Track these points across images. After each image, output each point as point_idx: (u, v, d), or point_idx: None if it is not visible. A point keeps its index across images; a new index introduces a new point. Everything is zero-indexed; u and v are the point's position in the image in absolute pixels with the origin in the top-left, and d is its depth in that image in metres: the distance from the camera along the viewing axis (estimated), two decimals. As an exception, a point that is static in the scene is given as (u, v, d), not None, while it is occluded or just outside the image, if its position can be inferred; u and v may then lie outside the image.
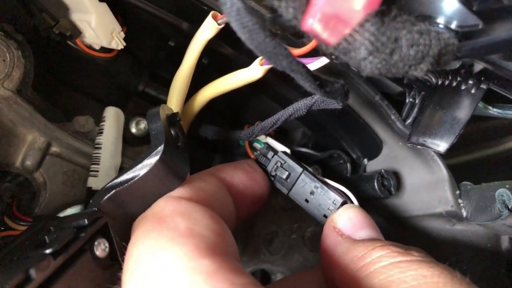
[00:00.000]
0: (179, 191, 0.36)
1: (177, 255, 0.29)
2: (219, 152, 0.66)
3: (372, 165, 0.60)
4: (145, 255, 0.30)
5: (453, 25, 0.34)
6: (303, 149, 0.59)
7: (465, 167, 0.85)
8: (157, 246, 0.30)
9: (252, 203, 0.46)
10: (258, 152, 0.50)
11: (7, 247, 0.36)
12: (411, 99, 0.52)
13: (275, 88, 0.59)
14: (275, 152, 0.48)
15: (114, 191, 0.35)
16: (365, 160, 0.60)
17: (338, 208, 0.43)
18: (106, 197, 0.35)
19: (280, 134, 0.65)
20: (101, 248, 0.34)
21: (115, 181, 0.36)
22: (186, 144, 0.40)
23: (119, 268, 0.33)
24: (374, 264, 0.33)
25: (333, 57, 0.38)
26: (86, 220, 0.33)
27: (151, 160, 0.35)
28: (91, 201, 0.37)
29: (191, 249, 0.29)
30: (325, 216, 0.45)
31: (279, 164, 0.48)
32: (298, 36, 0.42)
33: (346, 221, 0.40)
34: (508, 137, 0.86)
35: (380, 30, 0.29)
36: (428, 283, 0.29)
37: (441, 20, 0.34)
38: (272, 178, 0.48)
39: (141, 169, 0.35)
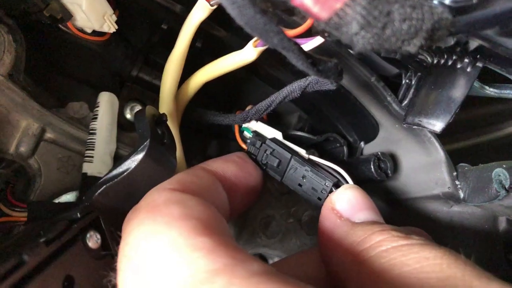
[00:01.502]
0: (171, 184, 0.36)
1: (174, 236, 0.29)
2: (215, 137, 0.66)
3: (368, 148, 0.59)
4: (141, 241, 0.30)
5: (447, 1, 0.33)
6: (299, 133, 0.59)
7: (463, 152, 0.85)
8: (153, 231, 0.30)
9: (246, 194, 0.45)
10: (248, 141, 0.49)
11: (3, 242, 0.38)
12: (407, 80, 0.52)
13: (269, 71, 0.59)
14: (263, 141, 0.48)
15: (104, 186, 0.38)
16: (362, 143, 0.60)
17: (331, 189, 0.43)
18: (97, 192, 0.38)
19: (275, 118, 0.65)
20: (93, 240, 0.37)
21: (105, 177, 0.39)
22: (172, 141, 0.43)
23: (112, 258, 0.36)
24: (375, 248, 0.32)
25: (325, 34, 0.37)
26: (78, 213, 0.36)
27: (138, 156, 0.38)
28: (84, 197, 0.39)
29: (187, 230, 0.29)
30: (319, 199, 0.45)
31: (268, 152, 0.47)
32: (289, 13, 0.41)
33: (344, 202, 0.40)
34: (507, 122, 0.85)
35: (371, 3, 0.28)
36: (431, 264, 0.29)
37: (435, -5, 0.33)
38: (264, 167, 0.48)
39: (129, 165, 0.39)
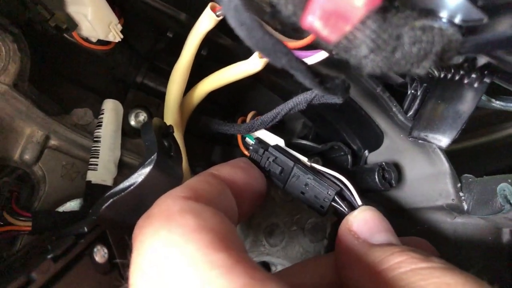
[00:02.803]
0: (184, 191, 0.35)
1: (191, 250, 0.28)
2: (219, 143, 0.66)
3: (373, 157, 0.59)
4: (156, 252, 0.29)
5: (457, 19, 0.33)
6: (303, 141, 0.59)
7: (466, 153, 0.84)
8: (169, 243, 0.29)
9: (252, 200, 0.45)
10: (251, 148, 0.49)
11: (11, 257, 0.38)
12: (412, 91, 0.52)
13: (274, 78, 0.58)
14: (266, 148, 0.48)
15: (111, 200, 0.38)
16: (366, 152, 0.60)
17: (334, 197, 0.43)
18: (104, 206, 0.38)
19: (280, 124, 0.65)
20: (100, 254, 0.36)
21: (112, 190, 0.39)
22: (179, 153, 0.43)
23: (119, 273, 0.36)
24: (394, 270, 0.32)
25: (333, 52, 0.37)
26: (85, 228, 0.36)
27: (145, 170, 0.38)
28: (90, 210, 0.39)
29: (204, 244, 0.28)
30: (322, 207, 0.45)
31: (271, 160, 0.47)
32: (298, 31, 0.41)
33: (361, 224, 0.39)
34: (509, 123, 0.85)
35: (381, 27, 0.28)
36: None
37: (444, 14, 0.33)
38: (267, 174, 0.48)
39: (136, 178, 0.39)
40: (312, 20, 0.27)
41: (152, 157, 0.39)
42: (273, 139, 0.51)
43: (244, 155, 0.52)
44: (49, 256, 0.33)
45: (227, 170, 0.43)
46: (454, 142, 0.87)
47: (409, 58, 0.29)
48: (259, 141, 0.51)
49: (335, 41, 0.28)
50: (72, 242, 0.35)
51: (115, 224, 0.38)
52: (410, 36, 0.29)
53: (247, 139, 0.53)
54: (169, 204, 0.33)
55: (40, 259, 0.33)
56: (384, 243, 0.37)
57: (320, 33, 0.28)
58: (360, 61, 0.29)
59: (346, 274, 0.38)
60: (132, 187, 0.38)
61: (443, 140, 0.42)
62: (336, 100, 0.40)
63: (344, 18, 0.27)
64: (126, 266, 0.32)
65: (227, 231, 0.32)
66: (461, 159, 0.51)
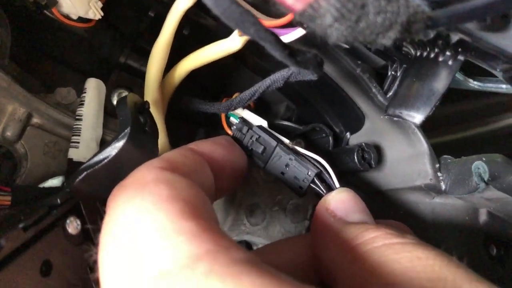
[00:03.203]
0: (161, 162, 0.36)
1: (161, 218, 0.29)
2: (202, 125, 0.66)
3: (354, 139, 0.60)
4: (128, 219, 0.30)
5: (426, -8, 0.33)
6: (285, 123, 0.59)
7: (453, 145, 0.85)
8: (141, 210, 0.30)
9: (231, 177, 0.46)
10: (235, 127, 0.50)
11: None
12: (393, 72, 0.52)
13: (257, 60, 0.59)
14: (250, 126, 0.48)
15: (85, 173, 0.38)
16: (348, 134, 0.60)
17: (313, 179, 0.44)
18: (78, 179, 0.38)
19: (263, 107, 0.65)
20: (73, 226, 0.37)
21: (86, 163, 0.39)
22: (154, 129, 0.43)
23: (92, 245, 0.35)
24: (367, 245, 0.32)
25: (304, 25, 0.37)
26: (58, 199, 0.37)
27: (119, 143, 0.39)
28: (64, 183, 0.41)
29: (175, 213, 0.29)
30: (301, 188, 0.45)
31: (254, 139, 0.48)
32: (269, 4, 0.41)
33: (339, 203, 0.40)
34: (496, 116, 0.86)
35: (346, -4, 0.28)
36: (423, 265, 0.29)
37: (414, -13, 0.33)
38: (249, 153, 0.48)
39: (110, 152, 0.39)
40: (277, -13, 0.28)
41: (126, 130, 0.39)
42: (256, 120, 0.51)
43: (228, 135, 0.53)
44: (20, 226, 0.33)
45: (207, 146, 0.43)
46: (446, 134, 0.87)
47: (374, 27, 0.29)
48: (243, 120, 0.51)
49: (300, 10, 0.29)
50: (44, 212, 0.35)
51: (89, 197, 0.39)
52: (375, 6, 0.29)
53: (232, 118, 0.54)
54: (144, 173, 0.34)
55: (10, 228, 0.33)
56: (360, 221, 0.38)
57: (285, 2, 0.28)
58: (325, 31, 0.30)
59: (321, 251, 0.38)
60: (106, 160, 0.38)
61: (417, 116, 0.43)
62: (311, 76, 0.41)
63: (309, -13, 0.28)
64: (98, 233, 0.32)
65: (199, 202, 0.32)
66: (446, 152, 0.52)
